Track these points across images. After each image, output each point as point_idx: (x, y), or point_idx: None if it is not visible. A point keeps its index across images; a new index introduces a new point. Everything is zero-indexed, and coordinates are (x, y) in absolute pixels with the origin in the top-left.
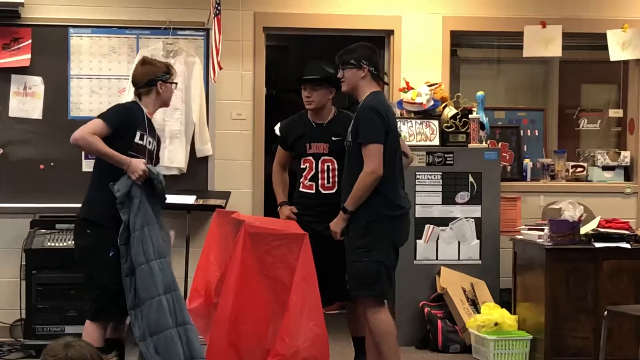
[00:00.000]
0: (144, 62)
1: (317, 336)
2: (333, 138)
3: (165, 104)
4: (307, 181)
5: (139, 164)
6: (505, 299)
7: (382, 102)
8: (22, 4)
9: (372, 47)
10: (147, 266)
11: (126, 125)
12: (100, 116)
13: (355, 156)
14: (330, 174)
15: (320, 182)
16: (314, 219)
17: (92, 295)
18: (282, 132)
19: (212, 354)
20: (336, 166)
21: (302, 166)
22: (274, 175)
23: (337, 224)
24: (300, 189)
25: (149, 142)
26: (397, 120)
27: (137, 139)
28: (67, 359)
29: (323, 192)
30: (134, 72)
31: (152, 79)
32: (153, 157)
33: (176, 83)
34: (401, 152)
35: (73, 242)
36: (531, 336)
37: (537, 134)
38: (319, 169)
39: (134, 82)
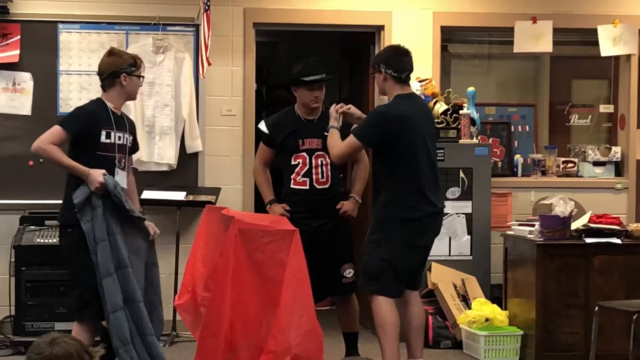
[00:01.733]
0: (110, 53)
1: (309, 332)
2: (325, 133)
3: (131, 96)
4: (299, 177)
5: (96, 177)
6: (496, 295)
7: (399, 107)
8: (10, 0)
9: (394, 48)
10: (112, 278)
11: (87, 129)
12: (60, 122)
13: (373, 156)
14: (324, 169)
15: (314, 177)
16: (308, 215)
17: (75, 295)
18: (270, 129)
19: (203, 351)
20: (329, 161)
21: (293, 163)
22: (257, 175)
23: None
24: (292, 186)
25: (119, 137)
26: None
27: (103, 139)
28: (52, 356)
29: (318, 187)
30: (99, 63)
31: (116, 70)
32: (126, 150)
33: (142, 76)
34: (434, 155)
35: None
36: (522, 332)
37: (527, 129)
38: (313, 165)
39: (99, 74)
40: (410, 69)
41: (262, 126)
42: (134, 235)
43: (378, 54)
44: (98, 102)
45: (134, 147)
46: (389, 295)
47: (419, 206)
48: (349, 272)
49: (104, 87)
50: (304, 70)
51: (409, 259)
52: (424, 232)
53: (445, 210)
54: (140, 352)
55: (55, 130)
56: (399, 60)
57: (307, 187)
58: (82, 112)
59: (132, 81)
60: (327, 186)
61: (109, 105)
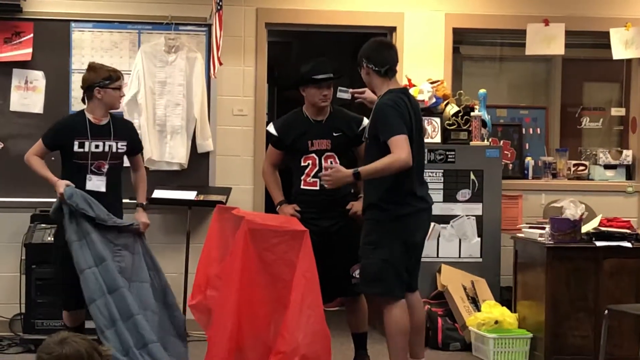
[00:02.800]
0: (88, 68)
1: (317, 333)
2: (334, 134)
3: (111, 107)
4: (309, 178)
5: (58, 188)
6: (505, 297)
7: (395, 99)
8: None
9: (376, 43)
10: (90, 271)
11: (60, 139)
12: (42, 136)
13: (372, 154)
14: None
15: None
16: (318, 215)
17: (60, 287)
18: (279, 132)
19: (212, 351)
20: (338, 161)
21: (303, 164)
22: (266, 177)
23: (336, 180)
24: (302, 187)
25: (96, 145)
26: None
27: (75, 148)
28: (62, 356)
29: (328, 187)
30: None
31: (90, 85)
32: (107, 158)
33: (119, 88)
34: (423, 152)
35: None
36: (531, 334)
37: (539, 132)
38: (323, 165)
39: (81, 87)
40: (392, 62)
41: (271, 128)
42: (116, 238)
43: (361, 49)
44: (79, 114)
45: (133, 149)
46: (393, 296)
47: (412, 202)
48: (358, 273)
49: (84, 100)
50: (312, 69)
51: (407, 257)
52: (418, 228)
53: (455, 212)
54: (122, 333)
55: (38, 143)
56: (380, 54)
57: (317, 188)
58: (56, 125)
59: (107, 93)
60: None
61: (89, 116)
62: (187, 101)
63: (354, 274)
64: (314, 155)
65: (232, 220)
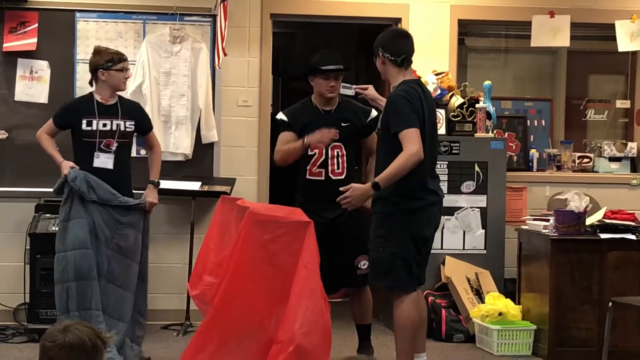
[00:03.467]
0: (93, 52)
1: (315, 323)
2: (342, 124)
3: (116, 88)
4: (315, 168)
5: (63, 168)
6: (509, 289)
7: (409, 90)
8: None
9: (392, 32)
10: (63, 255)
11: (68, 118)
12: (53, 115)
13: (384, 146)
14: (340, 160)
15: (330, 167)
16: (324, 205)
17: None
18: (289, 118)
19: (203, 337)
20: (345, 152)
21: (309, 153)
22: (280, 148)
23: (358, 198)
24: (308, 176)
25: (104, 124)
26: None
27: (84, 127)
28: (65, 344)
29: (333, 178)
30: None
31: (95, 68)
32: (115, 136)
33: (122, 69)
34: (435, 144)
35: None
36: (535, 326)
37: (543, 124)
38: (329, 155)
39: (89, 71)
40: (409, 52)
41: (281, 115)
42: (123, 216)
43: (377, 38)
44: (88, 95)
45: (143, 128)
46: (404, 290)
47: (423, 195)
48: (363, 264)
49: (91, 82)
50: (320, 60)
51: (416, 251)
52: (429, 222)
53: (460, 204)
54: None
55: (48, 122)
56: (397, 43)
57: (323, 178)
58: (65, 106)
59: (111, 75)
60: (342, 177)
61: (97, 97)
62: (191, 92)
63: (359, 265)
64: (321, 145)
65: (236, 210)
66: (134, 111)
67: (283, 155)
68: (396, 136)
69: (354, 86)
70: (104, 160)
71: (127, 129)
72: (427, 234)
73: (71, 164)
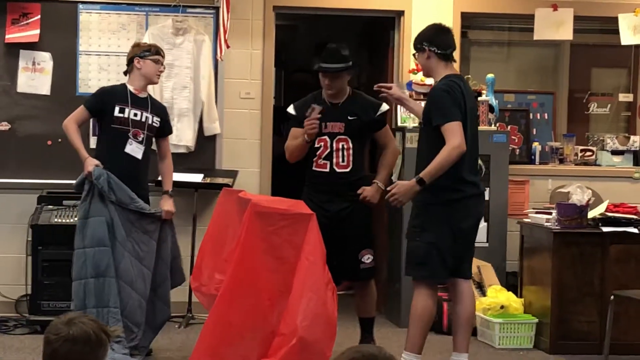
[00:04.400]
0: (133, 45)
1: (318, 315)
2: (349, 117)
3: (149, 78)
4: (320, 160)
5: (87, 166)
6: (511, 282)
7: (451, 84)
8: None
9: (436, 27)
10: (82, 251)
11: (101, 103)
12: (84, 101)
13: (427, 140)
14: (345, 153)
15: (334, 160)
16: (327, 197)
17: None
18: (297, 112)
19: (208, 331)
20: (351, 145)
21: (316, 145)
22: (291, 144)
23: (405, 194)
24: (314, 168)
25: (134, 113)
26: None
27: (116, 113)
28: (69, 337)
29: (338, 170)
30: None
31: (132, 57)
32: (145, 127)
33: (159, 61)
34: (476, 138)
35: None
36: (537, 320)
37: (546, 117)
38: (334, 148)
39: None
40: (453, 46)
41: (291, 110)
42: (137, 221)
43: (420, 34)
44: (122, 85)
45: (164, 130)
46: (436, 280)
47: (462, 187)
48: (367, 258)
49: (126, 73)
50: (321, 57)
51: (453, 243)
52: (467, 214)
53: None
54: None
55: (79, 109)
56: (443, 37)
57: (328, 170)
58: (100, 91)
59: (146, 64)
60: (348, 170)
61: (130, 87)
62: (194, 84)
63: (362, 260)
64: (326, 137)
65: (239, 203)
66: (161, 110)
67: (292, 152)
68: (438, 129)
69: (377, 85)
70: (134, 149)
71: (154, 124)
72: (464, 226)
73: (96, 161)
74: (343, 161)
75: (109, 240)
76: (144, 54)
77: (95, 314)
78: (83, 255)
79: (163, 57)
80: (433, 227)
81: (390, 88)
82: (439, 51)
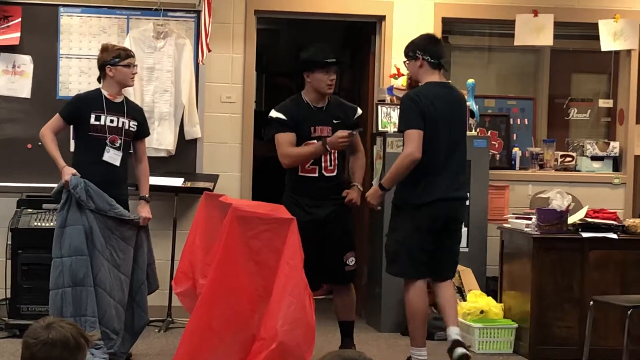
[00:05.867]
0: (101, 49)
1: (298, 320)
2: (334, 121)
3: (123, 84)
4: (309, 165)
5: (64, 175)
6: (491, 287)
7: (425, 91)
8: None
9: (429, 36)
10: (60, 260)
11: (76, 111)
12: (60, 110)
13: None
14: (332, 157)
15: (323, 165)
16: (315, 202)
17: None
18: (286, 115)
19: (188, 335)
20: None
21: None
22: (294, 152)
23: (372, 196)
24: (300, 173)
25: (111, 120)
26: (387, 106)
27: (92, 121)
28: (47, 341)
29: (326, 174)
30: None
31: (102, 64)
32: (122, 132)
33: (128, 65)
34: (458, 142)
35: None
36: (517, 324)
37: (526, 122)
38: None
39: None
40: (443, 55)
41: (277, 114)
42: (116, 228)
43: (412, 42)
44: (96, 91)
45: (141, 132)
46: (406, 277)
47: (429, 191)
48: (351, 260)
49: (99, 79)
50: (319, 54)
51: (421, 243)
52: (436, 217)
53: None
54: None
55: (55, 118)
56: (436, 48)
57: (317, 175)
58: (75, 99)
59: (118, 70)
60: (334, 174)
61: (104, 93)
62: (175, 88)
63: (347, 262)
64: (315, 141)
65: (219, 207)
66: (137, 112)
67: (298, 160)
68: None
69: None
70: (112, 156)
71: (131, 128)
72: (435, 228)
73: (73, 170)
74: (330, 165)
75: (87, 248)
76: (115, 61)
77: None
78: (60, 264)
79: (134, 57)
80: (402, 227)
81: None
82: (431, 60)
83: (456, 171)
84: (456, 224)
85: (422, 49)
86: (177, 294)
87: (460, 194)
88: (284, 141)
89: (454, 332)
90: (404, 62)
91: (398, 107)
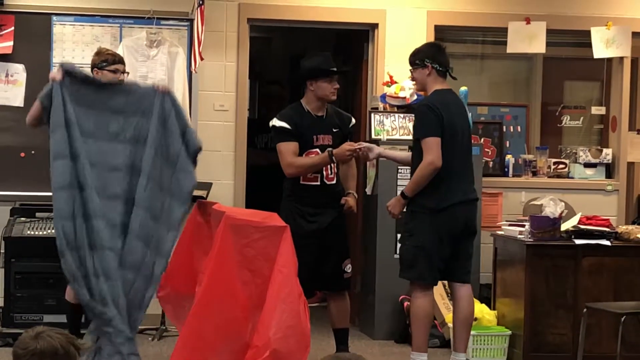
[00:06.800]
0: (95, 52)
1: (291, 328)
2: (334, 130)
3: None
4: (311, 174)
5: (53, 72)
6: (484, 294)
7: (438, 99)
8: None
9: (436, 45)
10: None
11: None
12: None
13: (417, 152)
14: (332, 166)
15: (324, 173)
16: (317, 210)
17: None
18: (290, 123)
19: (182, 344)
20: None
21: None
22: (298, 163)
23: (394, 206)
24: (302, 182)
25: None
26: (380, 114)
27: None
28: (36, 351)
29: (327, 183)
30: None
31: (91, 66)
32: None
33: (115, 71)
34: (467, 147)
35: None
36: (510, 332)
37: (519, 130)
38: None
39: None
40: (449, 63)
41: (280, 122)
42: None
43: (420, 51)
44: None
45: None
46: (424, 282)
47: (448, 196)
48: (348, 267)
49: None
50: (324, 62)
51: (440, 247)
52: (454, 221)
53: None
54: (90, 264)
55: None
56: (443, 56)
57: (319, 183)
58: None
59: (104, 74)
60: (334, 182)
61: None
62: None
63: (345, 269)
64: (317, 150)
65: (213, 215)
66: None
67: (303, 170)
68: (419, 142)
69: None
70: None
71: None
72: (453, 232)
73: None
74: (331, 173)
75: None
76: (102, 65)
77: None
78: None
79: (122, 64)
80: (420, 233)
81: (368, 149)
82: (440, 68)
83: (470, 175)
84: (474, 225)
85: (430, 57)
86: (158, 298)
87: (474, 196)
88: (288, 151)
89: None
90: (410, 70)
91: (413, 115)
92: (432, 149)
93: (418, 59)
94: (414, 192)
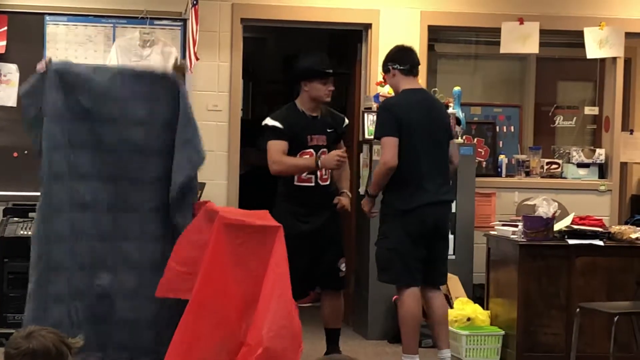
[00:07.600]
0: None
1: (284, 327)
2: (328, 130)
3: None
4: (305, 175)
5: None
6: (478, 295)
7: (400, 99)
8: None
9: (398, 47)
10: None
11: None
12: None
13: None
14: None
15: (319, 174)
16: (311, 211)
17: None
18: (283, 124)
19: (176, 344)
20: None
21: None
22: (284, 162)
23: (363, 204)
24: (296, 183)
25: None
26: (374, 114)
27: None
28: (28, 351)
29: (322, 183)
30: None
31: None
32: None
33: None
34: (440, 146)
35: None
36: (503, 332)
37: (512, 130)
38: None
39: None
40: (414, 61)
41: (273, 122)
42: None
43: (385, 57)
44: None
45: None
46: (399, 284)
47: (415, 197)
48: (344, 266)
49: None
50: (319, 63)
51: (412, 248)
52: (422, 223)
53: None
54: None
55: None
56: (403, 55)
57: (313, 184)
58: None
59: None
60: (328, 182)
61: None
62: None
63: (340, 267)
64: (311, 150)
65: (206, 215)
66: None
67: (288, 170)
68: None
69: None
70: None
71: None
72: (424, 233)
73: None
74: (325, 174)
75: None
76: None
77: None
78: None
79: None
80: (392, 235)
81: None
82: (401, 67)
83: (442, 175)
84: (445, 228)
85: (391, 60)
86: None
87: (447, 198)
88: (276, 148)
89: (447, 356)
90: (383, 77)
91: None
92: (387, 148)
93: (384, 65)
94: (376, 191)
